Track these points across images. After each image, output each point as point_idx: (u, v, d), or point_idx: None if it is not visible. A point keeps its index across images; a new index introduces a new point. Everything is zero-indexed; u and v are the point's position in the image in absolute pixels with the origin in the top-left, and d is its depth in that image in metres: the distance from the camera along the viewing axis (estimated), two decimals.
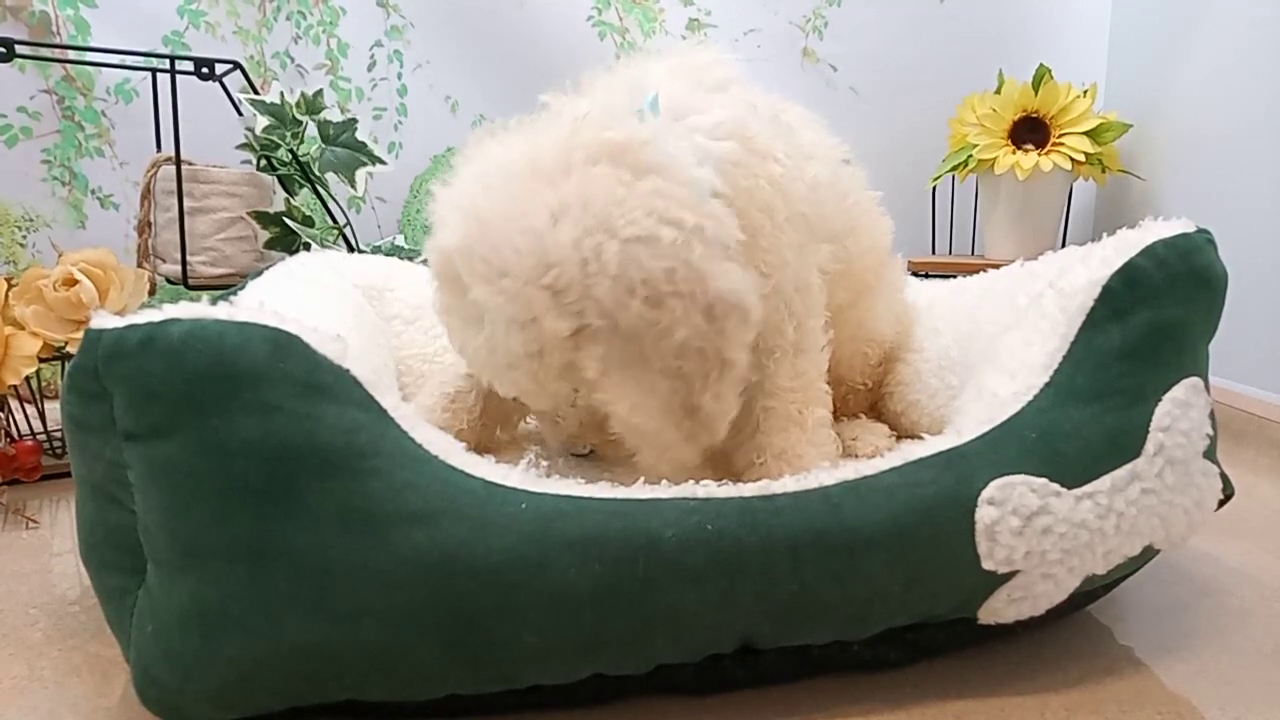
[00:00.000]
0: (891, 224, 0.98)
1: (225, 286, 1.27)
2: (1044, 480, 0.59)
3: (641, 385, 0.62)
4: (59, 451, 1.12)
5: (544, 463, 0.85)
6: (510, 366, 0.64)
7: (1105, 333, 0.63)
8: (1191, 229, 0.66)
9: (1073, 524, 0.58)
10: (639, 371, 0.61)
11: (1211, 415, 0.66)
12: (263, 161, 1.43)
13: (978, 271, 1.00)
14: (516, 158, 0.65)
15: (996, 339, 0.73)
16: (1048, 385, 0.63)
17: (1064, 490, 0.59)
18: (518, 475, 0.57)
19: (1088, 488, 0.59)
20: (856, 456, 0.89)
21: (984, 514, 0.57)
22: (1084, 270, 0.66)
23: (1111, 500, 0.59)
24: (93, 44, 1.57)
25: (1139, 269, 0.64)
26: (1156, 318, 0.63)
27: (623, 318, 0.60)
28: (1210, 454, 0.65)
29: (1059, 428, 0.61)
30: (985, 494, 0.58)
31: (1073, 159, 1.72)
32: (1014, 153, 1.75)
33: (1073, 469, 0.59)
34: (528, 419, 0.92)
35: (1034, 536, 0.58)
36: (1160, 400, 0.62)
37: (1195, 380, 0.64)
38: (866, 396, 1.02)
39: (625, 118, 0.66)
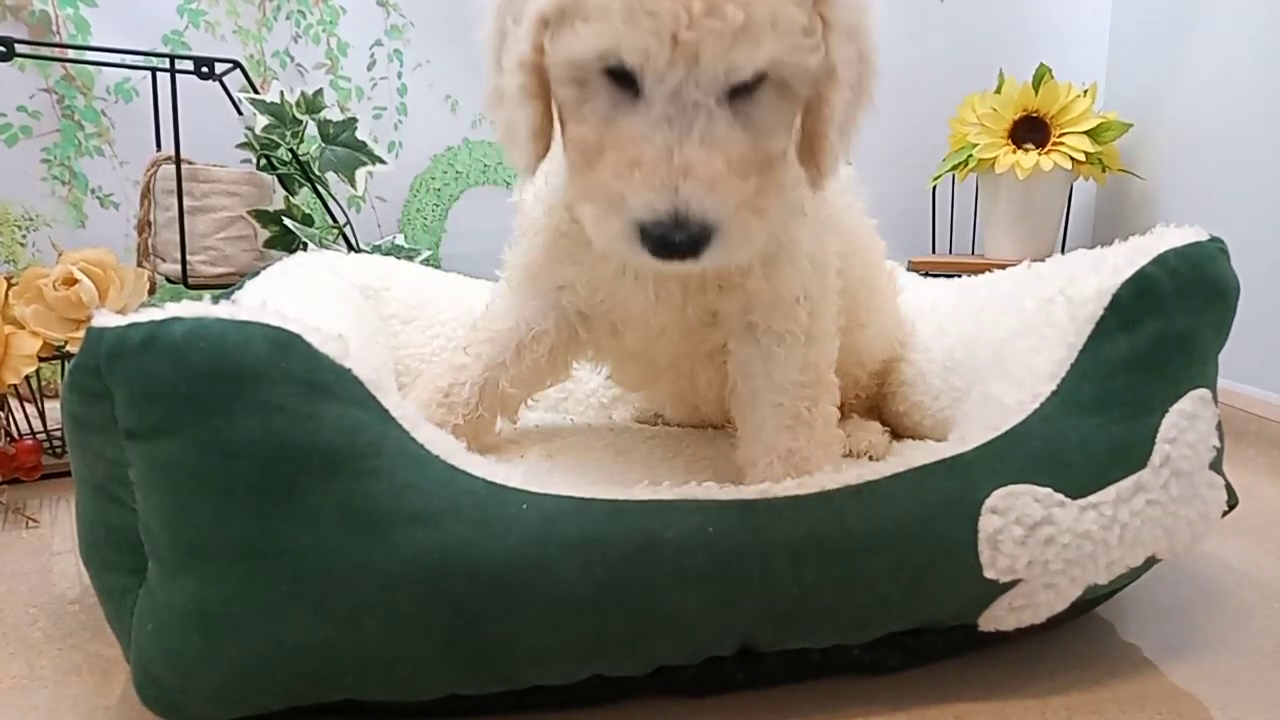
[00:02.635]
0: (883, 245, 0.97)
1: (225, 286, 1.27)
2: (1048, 490, 0.58)
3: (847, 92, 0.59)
4: (59, 451, 1.12)
5: (546, 463, 0.85)
6: None
7: (1114, 342, 0.63)
8: (1204, 237, 0.65)
9: (1076, 534, 0.58)
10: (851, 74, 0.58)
11: (1219, 427, 0.65)
12: (263, 160, 1.43)
13: (978, 271, 1.00)
14: None
15: (1003, 344, 0.72)
16: (1054, 394, 0.63)
17: (1068, 500, 0.58)
18: (519, 476, 0.57)
19: (1092, 498, 0.59)
20: (850, 452, 0.89)
21: (987, 522, 0.57)
22: (1095, 278, 0.65)
23: (1116, 511, 0.59)
24: (93, 43, 1.57)
25: (1150, 278, 0.63)
26: (1166, 328, 0.63)
27: (859, 20, 0.57)
28: (1216, 465, 0.65)
29: (1065, 438, 0.61)
30: (989, 502, 0.58)
31: (1073, 158, 1.72)
32: (1014, 152, 1.75)
33: (1077, 479, 0.59)
34: (529, 402, 0.91)
35: (1037, 546, 0.58)
36: (1167, 412, 0.62)
37: (1203, 392, 0.64)
38: (862, 403, 1.02)
39: None
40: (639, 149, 0.53)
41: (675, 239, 0.52)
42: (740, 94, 0.55)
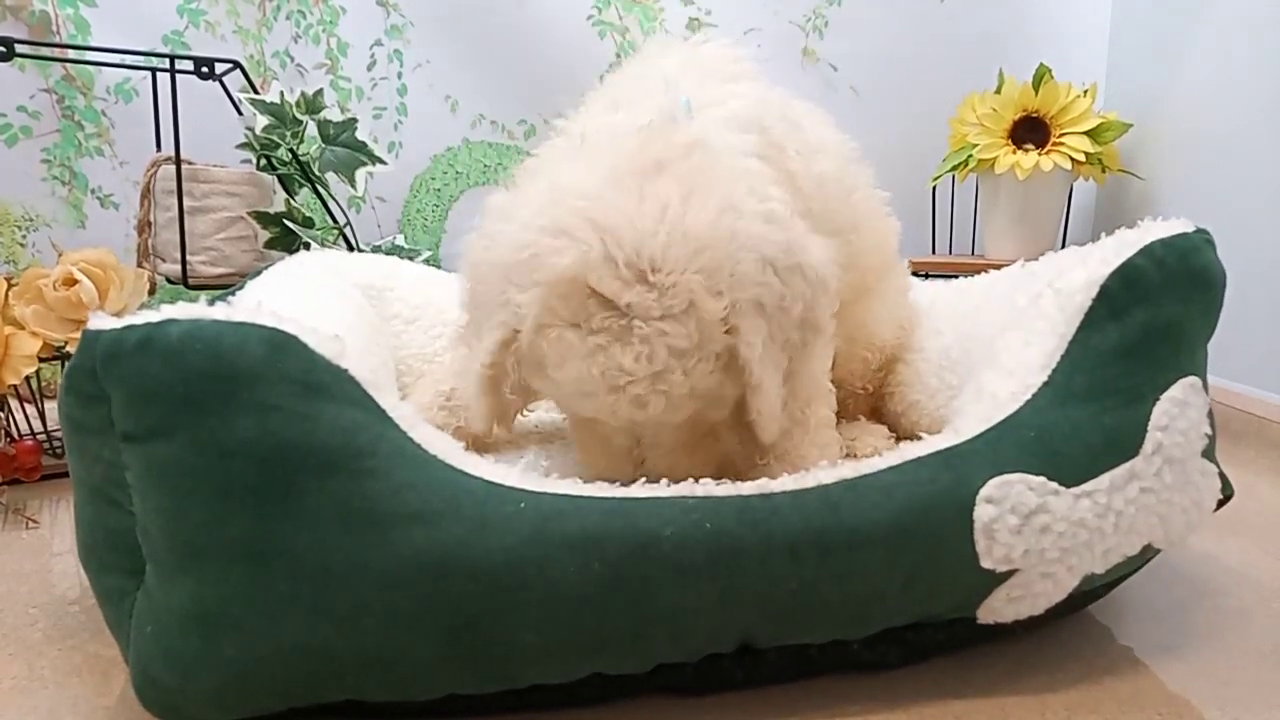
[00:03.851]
0: (898, 225, 0.98)
1: (225, 286, 1.27)
2: (1042, 479, 0.59)
3: (776, 363, 0.63)
4: (59, 451, 1.12)
5: (544, 462, 0.85)
6: (660, 374, 0.60)
7: (1103, 332, 0.63)
8: (1190, 229, 0.66)
9: (1071, 522, 0.58)
10: (774, 348, 0.63)
11: (1210, 415, 0.66)
12: (263, 161, 1.43)
13: (978, 272, 1.00)
14: (592, 172, 0.63)
15: (995, 340, 0.73)
16: (1046, 385, 0.63)
17: (1062, 489, 0.59)
18: (517, 475, 0.57)
19: (1086, 486, 0.59)
20: (855, 457, 0.89)
21: (982, 512, 0.57)
22: (1083, 270, 0.66)
23: (1110, 499, 0.59)
24: (93, 43, 1.57)
25: (1137, 269, 0.64)
26: (1154, 317, 0.63)
27: (764, 294, 0.61)
28: (1209, 453, 0.65)
29: (1057, 427, 0.61)
30: (984, 492, 0.58)
31: (1073, 159, 1.72)
32: (1014, 152, 1.75)
33: (1071, 468, 0.59)
34: (525, 412, 0.91)
35: (1032, 535, 0.58)
36: (1158, 400, 0.62)
37: (1193, 380, 0.64)
38: (867, 401, 1.02)
39: (680, 121, 0.67)
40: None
41: None
42: None
